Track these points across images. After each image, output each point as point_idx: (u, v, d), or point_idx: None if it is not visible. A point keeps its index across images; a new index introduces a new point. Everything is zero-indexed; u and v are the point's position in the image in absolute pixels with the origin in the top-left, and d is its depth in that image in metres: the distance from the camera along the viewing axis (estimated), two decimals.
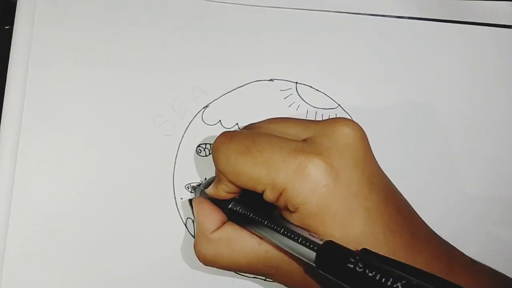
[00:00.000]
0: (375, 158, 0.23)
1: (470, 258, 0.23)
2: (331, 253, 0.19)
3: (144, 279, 0.29)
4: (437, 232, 0.24)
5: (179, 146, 0.30)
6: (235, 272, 0.29)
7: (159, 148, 0.30)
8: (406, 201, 0.23)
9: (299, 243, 0.20)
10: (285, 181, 0.20)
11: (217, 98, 0.30)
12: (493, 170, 0.31)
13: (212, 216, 0.25)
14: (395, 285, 0.16)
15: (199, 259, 0.25)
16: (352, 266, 0.18)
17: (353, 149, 0.21)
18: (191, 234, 0.29)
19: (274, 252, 0.23)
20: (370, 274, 0.17)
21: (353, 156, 0.21)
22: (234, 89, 0.30)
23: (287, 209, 0.22)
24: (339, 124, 0.22)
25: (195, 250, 0.25)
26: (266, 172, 0.21)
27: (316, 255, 0.19)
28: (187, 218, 0.29)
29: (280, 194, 0.21)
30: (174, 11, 0.31)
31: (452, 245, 0.23)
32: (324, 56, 0.31)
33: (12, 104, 0.29)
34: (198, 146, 0.30)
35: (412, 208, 0.23)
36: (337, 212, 0.20)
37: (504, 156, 0.31)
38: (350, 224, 0.20)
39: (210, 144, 0.30)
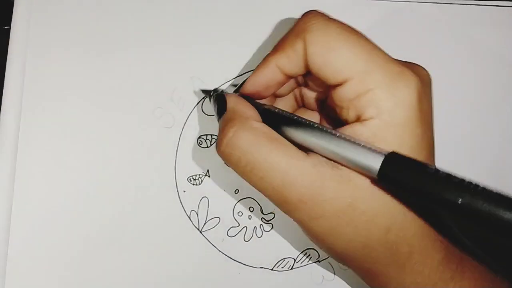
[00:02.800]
0: None
1: None
2: (402, 161, 0.18)
3: (148, 272, 0.28)
4: None
5: (179, 138, 0.29)
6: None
7: (160, 141, 0.29)
8: None
9: (362, 147, 0.18)
10: (382, 80, 0.19)
11: (217, 88, 0.30)
12: (496, 163, 0.30)
13: (253, 109, 0.22)
14: (478, 189, 0.15)
15: (227, 150, 0.20)
16: (433, 171, 0.16)
17: (430, 89, 0.22)
18: (195, 227, 0.29)
19: (323, 168, 0.19)
20: (455, 180, 0.16)
21: (430, 93, 0.21)
22: (234, 79, 0.30)
23: (357, 118, 0.20)
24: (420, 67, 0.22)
25: (223, 140, 0.20)
26: (365, 62, 0.19)
27: (383, 163, 0.17)
28: (191, 210, 0.29)
29: (365, 93, 0.19)
30: (172, 1, 0.30)
31: None
32: None
33: (11, 102, 0.29)
34: (199, 137, 0.30)
35: None
36: (415, 132, 0.19)
37: (506, 148, 0.30)
38: (420, 150, 0.20)
39: (211, 135, 0.30)
